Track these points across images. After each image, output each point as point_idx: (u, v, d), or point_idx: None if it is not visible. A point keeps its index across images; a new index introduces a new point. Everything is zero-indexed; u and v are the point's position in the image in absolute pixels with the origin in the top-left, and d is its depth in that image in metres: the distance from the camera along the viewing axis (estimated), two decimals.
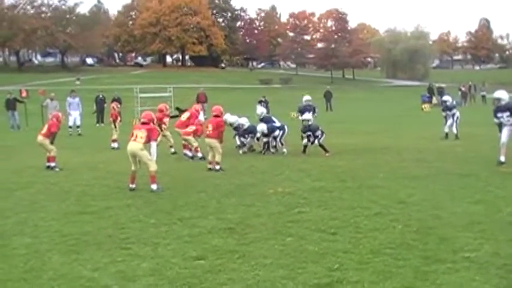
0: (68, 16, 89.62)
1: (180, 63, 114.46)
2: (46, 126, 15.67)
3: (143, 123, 12.43)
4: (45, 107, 31.94)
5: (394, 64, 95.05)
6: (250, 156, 17.28)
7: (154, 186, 11.93)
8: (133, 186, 12.14)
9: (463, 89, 50.80)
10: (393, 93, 68.90)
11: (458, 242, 7.51)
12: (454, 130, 20.51)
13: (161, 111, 17.96)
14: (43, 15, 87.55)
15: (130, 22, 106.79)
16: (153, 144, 12.15)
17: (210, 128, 14.99)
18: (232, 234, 8.36)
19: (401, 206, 9.85)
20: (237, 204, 10.40)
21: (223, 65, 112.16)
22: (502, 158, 13.38)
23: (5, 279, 6.70)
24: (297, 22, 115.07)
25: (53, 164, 15.17)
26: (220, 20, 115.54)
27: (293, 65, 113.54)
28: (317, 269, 6.65)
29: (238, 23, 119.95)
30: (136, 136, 12.03)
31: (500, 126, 14.00)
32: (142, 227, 8.94)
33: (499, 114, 13.53)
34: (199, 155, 16.76)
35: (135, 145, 12.01)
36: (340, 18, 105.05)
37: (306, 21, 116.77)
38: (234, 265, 6.91)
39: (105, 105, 34.28)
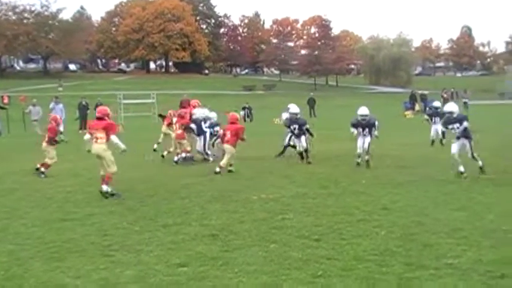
0: (50, 22, 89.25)
1: (163, 70, 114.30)
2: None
3: (98, 118, 12.35)
4: (28, 113, 31.75)
5: (377, 71, 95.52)
6: (235, 163, 17.25)
7: (104, 187, 11.88)
8: (106, 188, 12.00)
9: (445, 95, 51.10)
10: (376, 100, 69.15)
11: (441, 248, 7.55)
12: (440, 134, 20.37)
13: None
14: (25, 21, 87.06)
15: (114, 28, 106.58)
16: (114, 138, 12.06)
17: (229, 134, 15.47)
18: (215, 240, 8.33)
19: (384, 212, 9.89)
20: (220, 211, 10.38)
21: (206, 71, 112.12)
22: (461, 168, 13.50)
23: None
24: (281, 29, 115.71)
25: (42, 169, 15.05)
26: (204, 26, 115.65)
27: (277, 72, 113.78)
28: (301, 275, 6.64)
29: (222, 30, 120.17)
30: (96, 138, 11.98)
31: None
32: (125, 234, 8.89)
33: (450, 126, 14.11)
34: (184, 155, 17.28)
35: (97, 147, 12.00)
36: (323, 25, 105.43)
37: (289, 28, 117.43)
38: (218, 272, 6.88)
39: (88, 111, 34.15)
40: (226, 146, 15.40)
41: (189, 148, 17.47)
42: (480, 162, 13.76)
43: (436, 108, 21.56)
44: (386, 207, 10.26)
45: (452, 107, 14.43)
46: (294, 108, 17.09)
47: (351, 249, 7.63)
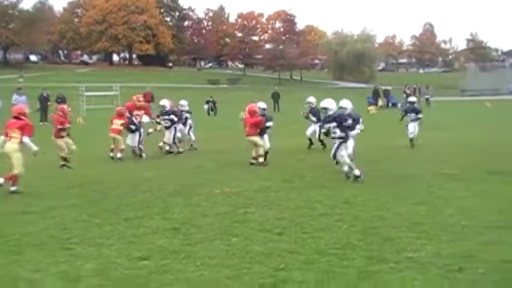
0: (10, 11, 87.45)
1: (127, 62, 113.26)
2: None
3: (15, 118, 12.14)
4: None
5: (341, 66, 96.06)
6: (199, 156, 17.24)
7: (1, 180, 11.68)
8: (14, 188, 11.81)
9: (408, 91, 51.63)
10: (340, 95, 69.38)
11: (401, 242, 7.63)
12: (416, 133, 18.92)
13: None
14: None
15: (76, 19, 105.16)
16: (26, 139, 11.88)
17: (248, 126, 15.42)
18: (177, 234, 8.30)
19: (346, 206, 9.96)
20: (183, 204, 10.34)
21: (170, 64, 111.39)
22: (357, 172, 12.47)
23: None
24: (245, 23, 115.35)
25: (64, 163, 15.13)
26: (168, 19, 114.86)
27: (241, 66, 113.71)
28: (262, 269, 6.65)
29: (186, 23, 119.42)
30: (11, 137, 11.78)
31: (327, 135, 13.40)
32: (86, 227, 8.80)
33: (326, 125, 12.81)
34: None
35: (9, 146, 11.80)
36: (288, 19, 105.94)
37: (254, 22, 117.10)
38: (179, 265, 6.85)
39: (49, 103, 33.69)
40: (250, 138, 15.37)
41: (123, 146, 17.03)
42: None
43: (412, 103, 20.15)
44: (349, 201, 10.33)
45: (327, 102, 13.04)
46: (262, 104, 16.80)
47: (313, 243, 7.66)
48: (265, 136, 15.78)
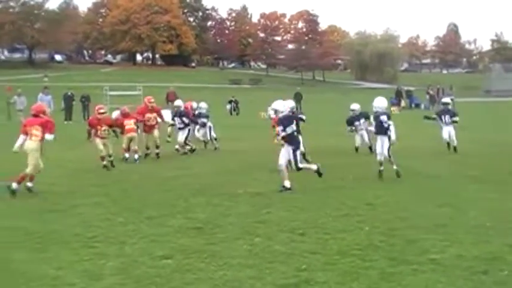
0: (36, 11, 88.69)
1: (150, 62, 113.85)
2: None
3: (34, 116, 12.04)
4: (13, 104, 31.55)
5: (363, 66, 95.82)
6: (221, 156, 17.27)
7: (15, 185, 11.31)
8: (30, 184, 11.71)
9: (431, 92, 51.32)
10: (362, 96, 69.15)
11: (424, 244, 7.58)
12: (455, 140, 17.42)
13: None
14: (11, 10, 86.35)
15: (100, 19, 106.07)
16: (49, 137, 11.72)
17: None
18: (200, 233, 8.33)
19: (368, 207, 9.92)
20: (205, 204, 10.37)
21: (193, 64, 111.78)
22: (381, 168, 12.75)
23: None
24: (268, 23, 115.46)
25: (105, 163, 14.92)
26: (191, 19, 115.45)
27: (263, 66, 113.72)
28: (284, 269, 6.65)
29: (209, 23, 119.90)
30: (31, 134, 11.65)
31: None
32: (109, 226, 8.86)
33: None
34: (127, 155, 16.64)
35: (30, 144, 11.62)
36: (310, 20, 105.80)
37: (276, 22, 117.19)
38: (202, 265, 6.87)
39: (74, 102, 34.03)
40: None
41: (136, 147, 16.52)
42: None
43: (446, 104, 18.34)
44: (371, 202, 10.29)
45: (278, 104, 12.54)
46: (290, 103, 16.16)
47: (335, 244, 7.65)
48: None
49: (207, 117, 19.19)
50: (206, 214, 9.57)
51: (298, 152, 11.98)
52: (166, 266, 6.84)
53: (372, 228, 8.47)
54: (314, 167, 12.23)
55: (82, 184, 12.47)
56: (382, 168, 12.94)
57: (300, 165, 11.91)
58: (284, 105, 12.28)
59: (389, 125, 12.75)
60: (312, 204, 10.28)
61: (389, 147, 12.84)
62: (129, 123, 16.37)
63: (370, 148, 16.78)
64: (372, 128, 13.83)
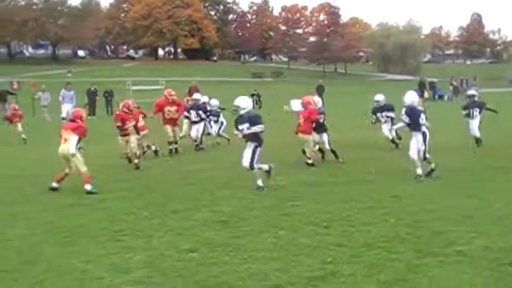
0: (59, 8, 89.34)
1: (172, 56, 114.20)
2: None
3: (71, 121, 12.08)
4: (38, 100, 31.93)
5: (386, 58, 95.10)
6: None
7: (88, 186, 11.28)
8: (56, 185, 11.64)
9: (454, 83, 50.88)
10: (385, 87, 68.83)
11: (450, 235, 7.55)
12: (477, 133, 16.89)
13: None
14: (34, 7, 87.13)
15: (122, 14, 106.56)
16: (74, 138, 11.55)
17: (302, 120, 14.10)
18: (225, 227, 8.37)
19: (393, 200, 9.89)
20: (230, 197, 10.42)
21: (215, 58, 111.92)
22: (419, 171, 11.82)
23: (1, 270, 6.73)
24: (289, 15, 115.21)
25: (136, 161, 14.47)
26: (212, 13, 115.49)
27: (285, 59, 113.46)
28: (310, 261, 6.67)
29: (230, 16, 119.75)
30: (65, 139, 11.62)
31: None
32: (135, 220, 8.95)
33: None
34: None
35: (64, 148, 11.56)
36: (332, 12, 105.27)
37: (298, 15, 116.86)
38: (227, 258, 6.92)
39: (97, 97, 34.30)
40: (301, 136, 14.22)
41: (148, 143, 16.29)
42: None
43: (472, 96, 17.44)
44: (396, 194, 10.25)
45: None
46: (317, 98, 15.67)
47: (360, 236, 7.65)
48: (324, 135, 14.67)
49: (217, 115, 18.77)
50: (231, 207, 9.62)
51: (258, 150, 11.78)
52: (192, 259, 6.89)
53: (398, 220, 8.44)
54: (266, 167, 11.84)
55: (107, 179, 12.57)
56: (419, 171, 11.77)
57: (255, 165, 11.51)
58: (246, 102, 11.86)
59: (424, 123, 12.05)
60: (336, 197, 10.27)
61: (425, 147, 11.92)
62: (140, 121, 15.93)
63: (393, 141, 16.64)
64: (400, 125, 13.47)
